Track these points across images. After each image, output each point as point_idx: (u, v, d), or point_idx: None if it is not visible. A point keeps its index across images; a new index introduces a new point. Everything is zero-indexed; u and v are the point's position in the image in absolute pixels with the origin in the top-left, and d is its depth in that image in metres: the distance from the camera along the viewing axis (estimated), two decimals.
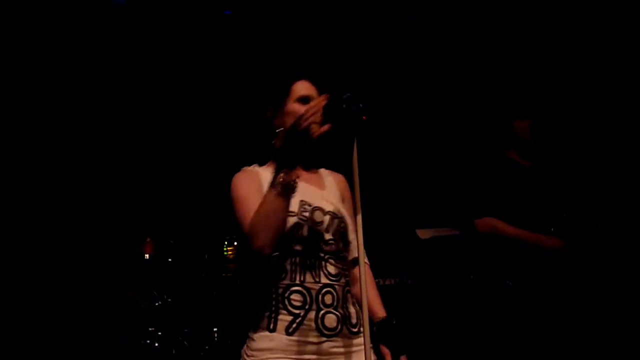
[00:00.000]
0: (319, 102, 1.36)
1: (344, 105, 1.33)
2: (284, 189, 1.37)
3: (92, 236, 3.70)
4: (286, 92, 1.63)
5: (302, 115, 1.36)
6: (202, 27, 3.73)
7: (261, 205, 1.39)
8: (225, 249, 3.67)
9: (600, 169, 3.31)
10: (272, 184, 1.38)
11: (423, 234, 3.27)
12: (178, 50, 3.81)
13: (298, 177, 1.41)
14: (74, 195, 3.72)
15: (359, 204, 1.41)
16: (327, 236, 1.51)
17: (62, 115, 3.71)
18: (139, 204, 3.85)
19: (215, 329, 3.37)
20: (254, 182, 1.55)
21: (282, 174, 1.37)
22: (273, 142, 1.58)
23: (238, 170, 1.63)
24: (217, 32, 3.77)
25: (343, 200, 1.64)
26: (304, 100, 1.59)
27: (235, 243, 3.66)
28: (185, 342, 3.32)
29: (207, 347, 3.31)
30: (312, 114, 1.34)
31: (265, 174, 1.57)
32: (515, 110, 2.70)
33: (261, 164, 1.66)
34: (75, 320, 3.46)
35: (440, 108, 3.87)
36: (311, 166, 1.67)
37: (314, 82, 1.65)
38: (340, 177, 1.71)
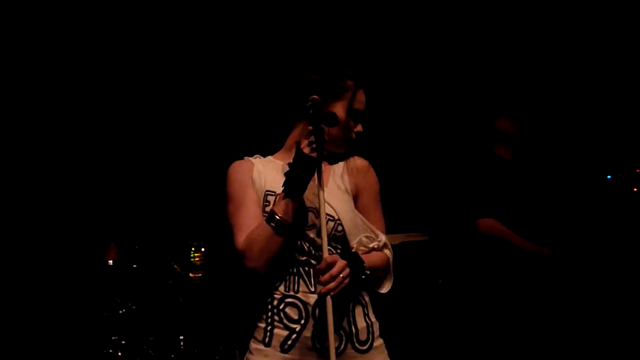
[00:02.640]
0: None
1: (310, 111, 1.32)
2: (279, 230, 1.34)
3: (53, 241, 3.57)
4: (344, 92, 1.49)
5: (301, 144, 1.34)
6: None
7: (256, 232, 1.36)
8: (192, 255, 3.61)
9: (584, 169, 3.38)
10: (270, 218, 1.34)
11: (392, 239, 3.27)
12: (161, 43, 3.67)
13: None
14: (34, 199, 3.59)
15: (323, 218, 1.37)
16: (320, 241, 1.38)
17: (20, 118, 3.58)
18: (102, 207, 3.75)
19: (181, 337, 3.30)
20: (246, 178, 1.48)
21: (277, 216, 1.33)
22: (297, 141, 1.39)
23: (217, 167, 1.57)
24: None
25: (356, 192, 1.50)
26: (357, 115, 1.51)
27: (203, 249, 3.60)
28: (151, 351, 3.24)
29: (173, 356, 3.23)
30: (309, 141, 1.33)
31: (260, 166, 1.50)
32: (498, 108, 2.74)
33: (265, 155, 1.57)
34: (35, 330, 3.33)
35: (423, 110, 3.88)
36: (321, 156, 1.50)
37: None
38: (357, 162, 1.53)
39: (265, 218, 1.38)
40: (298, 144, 1.36)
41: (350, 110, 1.49)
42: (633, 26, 3.31)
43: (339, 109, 1.47)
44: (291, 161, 1.39)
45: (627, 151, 3.41)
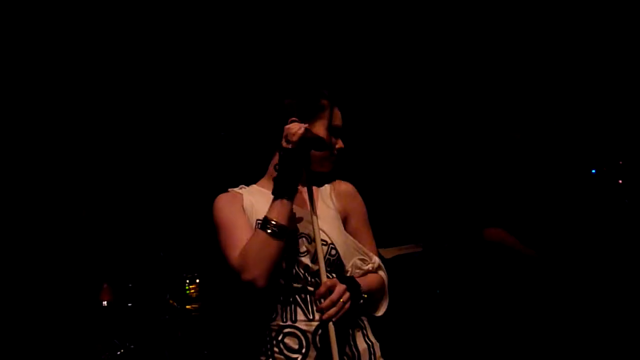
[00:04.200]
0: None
1: None
2: (276, 234, 1.31)
3: (44, 285, 3.51)
4: (321, 111, 1.50)
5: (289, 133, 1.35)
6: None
7: (251, 242, 1.33)
8: (187, 287, 3.56)
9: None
10: (264, 224, 1.32)
11: (386, 253, 3.26)
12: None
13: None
14: (22, 243, 3.54)
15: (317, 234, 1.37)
16: (315, 267, 1.38)
17: None
18: (92, 248, 3.70)
19: None
20: (236, 206, 1.46)
21: (273, 220, 1.31)
22: (275, 165, 1.43)
23: (207, 198, 1.53)
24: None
25: (345, 216, 1.51)
26: (337, 132, 1.52)
27: (198, 281, 3.56)
28: None
29: None
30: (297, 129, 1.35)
31: (248, 197, 1.49)
32: (511, 122, 2.77)
33: (248, 184, 1.57)
34: None
35: (418, 120, 3.89)
36: (309, 180, 1.52)
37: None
38: (343, 186, 1.57)
39: (259, 225, 1.35)
40: (279, 146, 1.38)
41: (330, 128, 1.51)
42: (612, 25, 3.38)
43: (319, 128, 1.48)
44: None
45: (608, 144, 3.45)
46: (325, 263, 1.39)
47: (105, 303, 3.44)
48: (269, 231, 1.31)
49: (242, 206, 1.47)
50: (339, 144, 1.54)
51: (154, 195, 3.83)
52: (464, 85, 3.69)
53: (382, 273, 1.50)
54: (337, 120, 1.53)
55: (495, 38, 3.58)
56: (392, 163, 3.79)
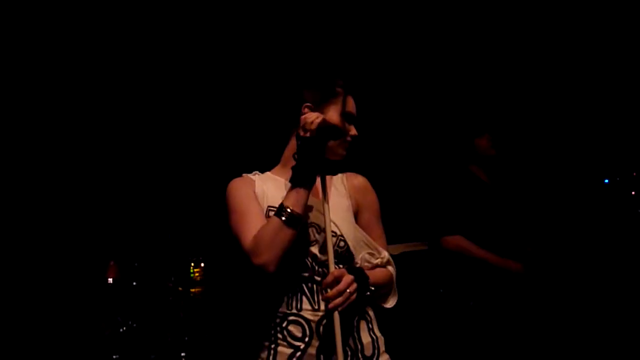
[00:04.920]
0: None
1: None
2: (290, 221, 1.31)
3: (51, 260, 3.55)
4: (335, 97, 1.51)
5: (305, 123, 1.36)
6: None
7: (266, 227, 1.33)
8: (192, 270, 3.59)
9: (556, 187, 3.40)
10: (279, 211, 1.32)
11: (393, 249, 3.26)
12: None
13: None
14: (33, 217, 3.58)
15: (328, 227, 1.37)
16: (323, 257, 1.38)
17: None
18: (101, 225, 3.73)
19: (183, 354, 3.27)
20: (249, 191, 1.46)
21: (289, 208, 1.31)
22: (294, 154, 1.42)
23: (220, 182, 1.53)
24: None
25: (358, 209, 1.52)
26: (350, 119, 1.53)
27: (202, 264, 3.59)
28: None
29: None
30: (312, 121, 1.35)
31: (261, 184, 1.49)
32: (475, 127, 2.74)
33: (262, 171, 1.57)
34: (36, 349, 3.30)
35: (406, 124, 3.90)
36: (323, 170, 1.52)
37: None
38: (357, 180, 1.57)
39: (274, 212, 1.35)
40: (297, 135, 1.37)
41: (343, 114, 1.51)
42: (615, 35, 3.34)
43: (332, 115, 1.49)
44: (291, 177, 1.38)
45: (624, 155, 3.43)
46: (334, 255, 1.39)
47: (110, 280, 3.47)
48: (283, 218, 1.31)
49: (255, 192, 1.47)
50: (353, 131, 1.53)
51: (165, 179, 3.85)
52: (461, 85, 3.68)
53: (390, 268, 1.49)
54: (351, 107, 1.53)
55: (496, 41, 3.56)
56: (400, 160, 3.80)
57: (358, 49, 3.57)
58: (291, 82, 1.60)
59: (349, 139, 1.52)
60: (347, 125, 1.52)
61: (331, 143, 1.45)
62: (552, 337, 2.85)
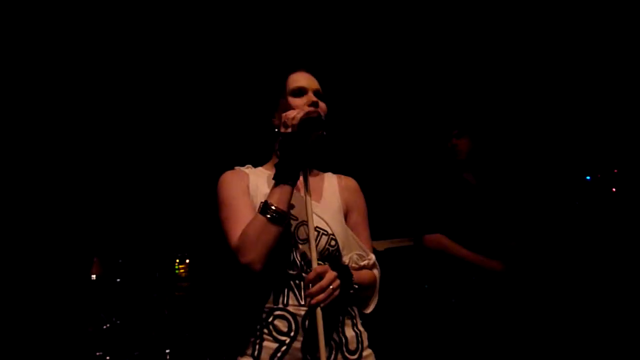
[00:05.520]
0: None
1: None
2: (275, 219, 1.30)
3: (34, 256, 3.51)
4: (282, 88, 1.52)
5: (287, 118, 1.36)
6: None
7: (251, 225, 1.32)
8: (177, 266, 3.57)
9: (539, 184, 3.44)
10: (264, 209, 1.31)
11: (378, 245, 3.28)
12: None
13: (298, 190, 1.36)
14: (16, 214, 3.53)
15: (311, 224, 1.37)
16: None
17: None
18: (85, 221, 3.69)
19: (167, 351, 3.25)
20: (241, 185, 1.46)
21: (273, 205, 1.31)
22: (276, 149, 1.44)
23: (212, 174, 1.52)
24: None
25: (348, 210, 1.53)
26: (299, 92, 1.50)
27: (187, 260, 3.57)
28: None
29: None
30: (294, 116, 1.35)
31: (255, 178, 1.49)
32: (455, 129, 2.76)
33: (256, 165, 1.57)
34: (20, 346, 3.26)
35: (391, 123, 3.92)
36: (314, 169, 1.51)
37: (310, 71, 1.55)
38: (348, 181, 1.59)
39: (259, 210, 1.34)
40: (279, 132, 1.38)
41: (290, 93, 1.49)
42: (606, 28, 3.38)
43: (289, 106, 1.48)
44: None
45: (605, 152, 3.48)
46: (324, 253, 1.41)
47: (94, 277, 3.44)
48: (268, 216, 1.31)
49: (247, 185, 1.47)
50: (308, 99, 1.49)
51: (150, 175, 3.82)
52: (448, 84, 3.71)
53: (375, 271, 1.51)
54: (294, 82, 1.51)
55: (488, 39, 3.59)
56: (387, 157, 3.81)
57: (347, 46, 3.58)
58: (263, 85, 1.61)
59: (307, 109, 1.44)
60: (300, 100, 1.49)
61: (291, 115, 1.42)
62: (535, 335, 2.89)
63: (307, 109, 1.42)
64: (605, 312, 3.04)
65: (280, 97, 1.51)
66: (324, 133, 1.37)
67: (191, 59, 3.62)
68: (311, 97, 1.49)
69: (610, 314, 3.03)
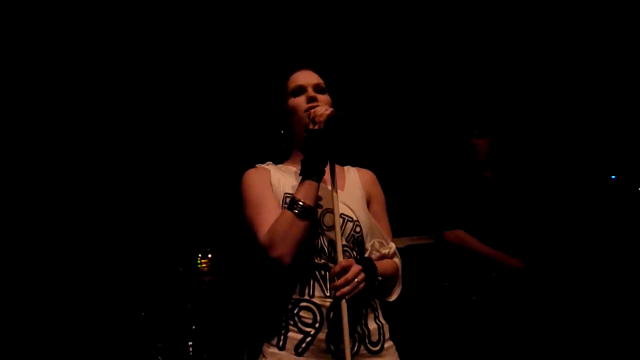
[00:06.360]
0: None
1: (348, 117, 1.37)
2: (302, 214, 1.34)
3: (62, 250, 3.59)
4: (284, 91, 1.57)
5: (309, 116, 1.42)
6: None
7: (279, 220, 1.35)
8: (199, 261, 3.62)
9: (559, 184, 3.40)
10: (291, 204, 1.35)
11: (399, 242, 3.28)
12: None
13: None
14: (45, 208, 3.62)
15: (337, 217, 1.39)
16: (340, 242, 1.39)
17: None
18: (108, 216, 3.76)
19: (190, 343, 3.31)
20: (265, 182, 1.49)
21: (300, 201, 1.34)
22: (294, 146, 1.54)
23: (229, 174, 1.60)
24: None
25: (368, 200, 1.57)
26: (298, 91, 1.54)
27: (210, 255, 3.62)
28: (160, 358, 3.26)
29: None
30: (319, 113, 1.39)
31: (276, 174, 1.52)
32: (476, 128, 2.75)
33: (276, 163, 1.61)
34: (42, 335, 3.35)
35: (412, 122, 3.91)
36: (335, 162, 1.56)
37: (311, 68, 1.59)
38: (367, 173, 1.64)
39: (287, 206, 1.37)
40: (306, 128, 1.42)
41: (291, 93, 1.55)
42: (617, 31, 3.33)
43: (293, 106, 1.54)
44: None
45: (632, 152, 3.43)
46: (350, 239, 1.44)
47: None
48: (295, 211, 1.34)
49: (270, 182, 1.50)
50: (307, 95, 1.53)
51: (172, 171, 3.88)
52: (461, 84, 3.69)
53: (397, 260, 1.53)
54: (295, 81, 1.56)
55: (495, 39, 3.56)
56: (408, 155, 3.81)
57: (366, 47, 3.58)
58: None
59: (306, 106, 1.51)
60: (299, 100, 1.53)
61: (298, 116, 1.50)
62: (554, 333, 2.87)
63: (326, 109, 1.44)
64: (626, 310, 3.00)
65: (284, 99, 1.56)
66: (350, 118, 1.38)
67: (212, 61, 3.68)
68: (309, 93, 1.53)
69: (631, 311, 2.99)
